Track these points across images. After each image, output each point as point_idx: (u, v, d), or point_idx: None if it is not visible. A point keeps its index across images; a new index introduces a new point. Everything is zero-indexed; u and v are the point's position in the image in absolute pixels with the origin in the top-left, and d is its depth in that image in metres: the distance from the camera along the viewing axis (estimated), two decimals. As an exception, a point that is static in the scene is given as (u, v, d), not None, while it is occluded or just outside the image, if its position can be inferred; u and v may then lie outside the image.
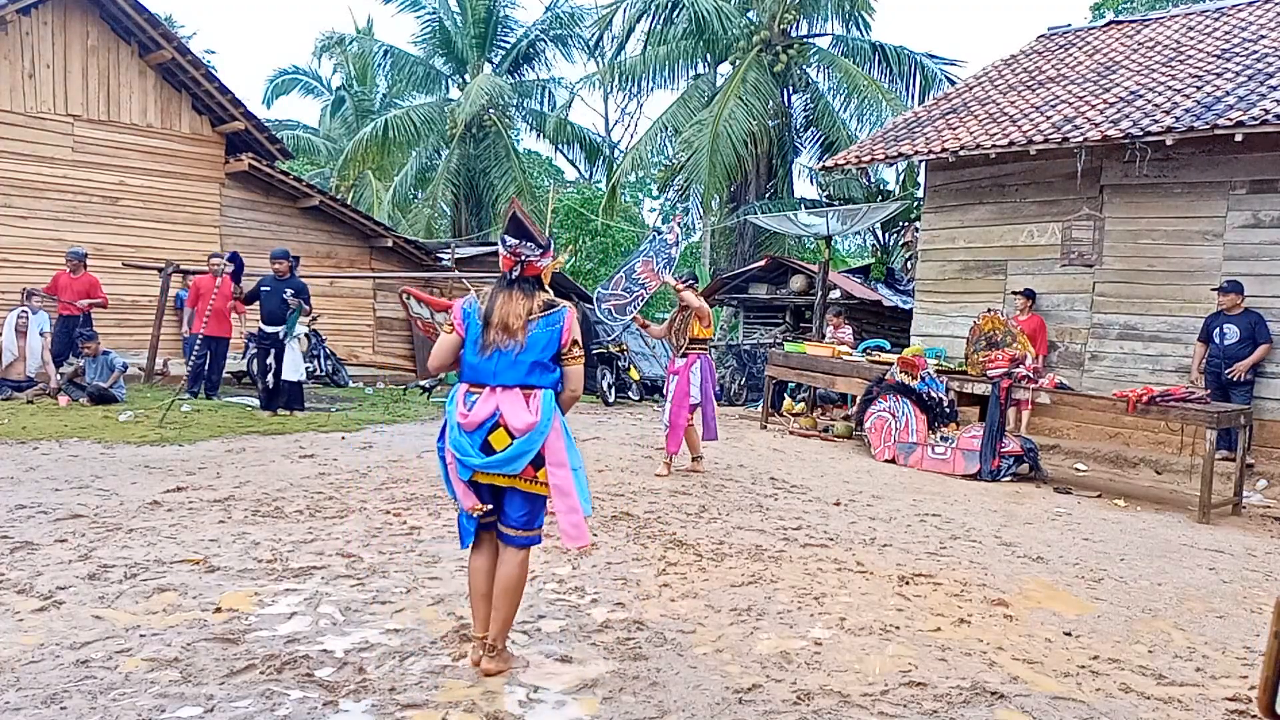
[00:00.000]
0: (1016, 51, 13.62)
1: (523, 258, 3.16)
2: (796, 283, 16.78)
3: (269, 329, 9.60)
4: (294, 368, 9.66)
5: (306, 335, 11.06)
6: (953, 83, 18.92)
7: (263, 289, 9.67)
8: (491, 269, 17.82)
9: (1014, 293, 10.53)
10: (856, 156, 12.26)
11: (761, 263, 17.66)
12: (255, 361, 9.97)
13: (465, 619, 3.65)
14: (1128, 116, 9.67)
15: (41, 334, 10.37)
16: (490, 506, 3.15)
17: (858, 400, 9.64)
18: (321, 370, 14.06)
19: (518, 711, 2.90)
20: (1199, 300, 9.44)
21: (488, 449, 3.05)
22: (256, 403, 9.95)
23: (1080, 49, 12.62)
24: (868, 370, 9.46)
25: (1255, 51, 10.30)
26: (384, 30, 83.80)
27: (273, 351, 9.59)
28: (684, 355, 7.22)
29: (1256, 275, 8.91)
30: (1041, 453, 8.61)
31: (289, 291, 9.63)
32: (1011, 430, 8.78)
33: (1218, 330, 8.69)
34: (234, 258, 9.83)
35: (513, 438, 3.04)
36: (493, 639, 3.18)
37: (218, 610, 3.62)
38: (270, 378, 9.59)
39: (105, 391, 9.74)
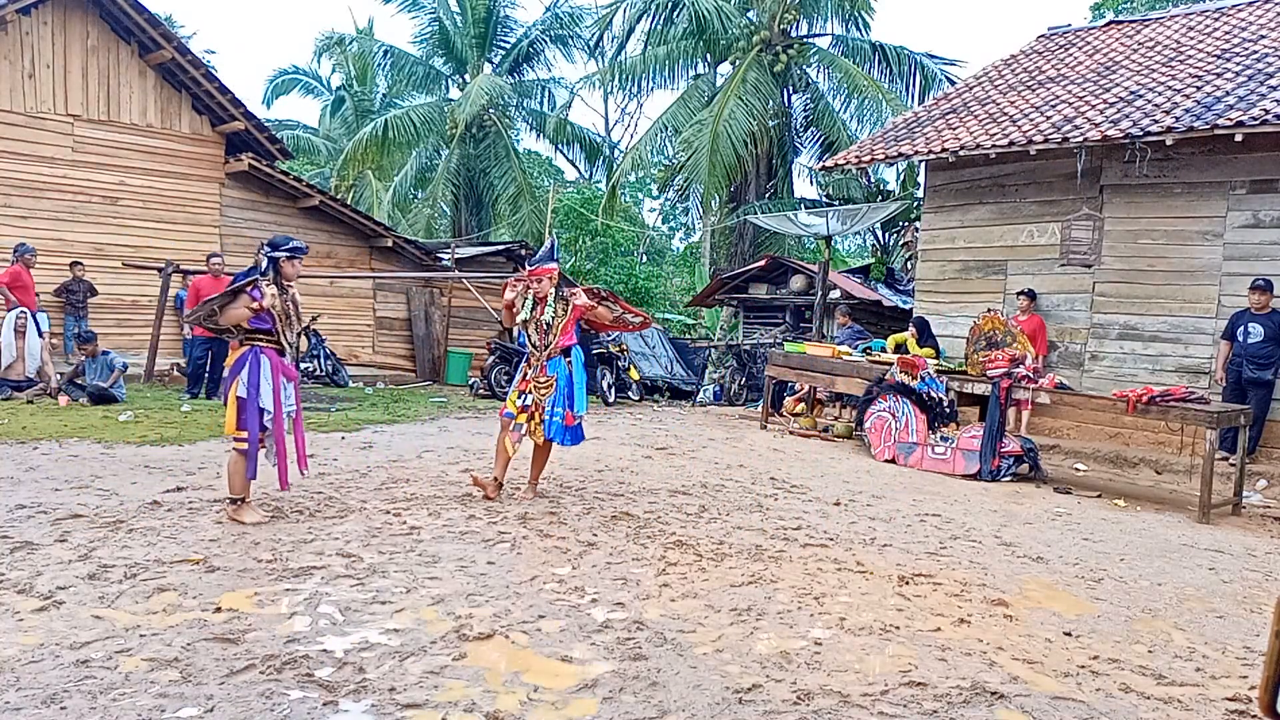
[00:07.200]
0: (1016, 51, 13.62)
1: None
2: (796, 283, 16.77)
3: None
4: None
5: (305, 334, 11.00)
6: (953, 83, 18.91)
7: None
8: (491, 269, 17.80)
9: (1019, 293, 10.52)
10: (856, 156, 12.26)
11: (761, 263, 17.65)
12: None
13: (465, 619, 3.65)
14: (1128, 116, 9.67)
15: (40, 334, 10.36)
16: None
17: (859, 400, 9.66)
18: (321, 370, 14.05)
19: (518, 711, 2.90)
20: (1199, 300, 9.44)
21: None
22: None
23: (1080, 49, 12.62)
24: (868, 370, 9.46)
25: (1255, 51, 10.30)
26: (384, 30, 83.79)
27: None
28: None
29: (1257, 275, 8.91)
30: (1041, 453, 8.61)
31: None
32: (1011, 430, 8.77)
33: (1242, 328, 8.57)
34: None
35: None
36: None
37: (218, 610, 3.62)
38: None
39: (105, 391, 9.73)
